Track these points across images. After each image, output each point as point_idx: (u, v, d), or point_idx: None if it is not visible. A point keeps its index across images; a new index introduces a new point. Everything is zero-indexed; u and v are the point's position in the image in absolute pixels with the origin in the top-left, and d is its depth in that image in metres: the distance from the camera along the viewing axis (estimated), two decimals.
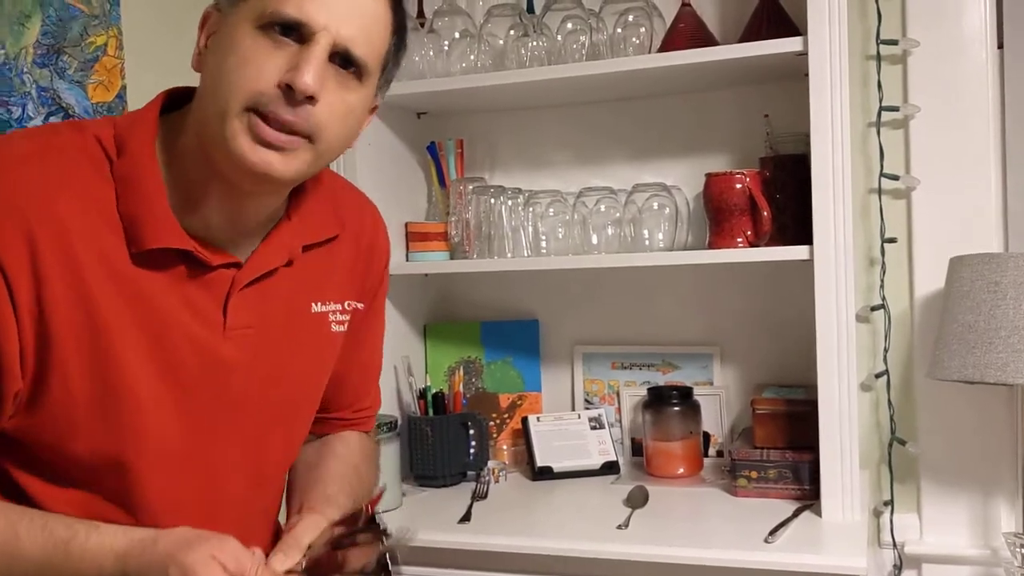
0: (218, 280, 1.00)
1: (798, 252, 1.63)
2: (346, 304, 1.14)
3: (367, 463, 1.26)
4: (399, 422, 1.85)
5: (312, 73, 0.90)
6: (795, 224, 1.70)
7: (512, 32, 1.93)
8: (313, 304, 1.10)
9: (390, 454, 1.79)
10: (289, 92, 0.90)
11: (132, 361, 0.95)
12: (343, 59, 0.94)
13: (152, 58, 1.71)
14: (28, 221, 0.89)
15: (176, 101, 1.02)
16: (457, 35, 1.96)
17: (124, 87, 1.66)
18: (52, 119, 1.52)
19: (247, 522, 1.09)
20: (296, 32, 0.91)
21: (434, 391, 1.97)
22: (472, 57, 1.95)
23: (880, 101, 1.85)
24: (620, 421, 2.07)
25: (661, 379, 2.04)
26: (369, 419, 1.30)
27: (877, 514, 1.89)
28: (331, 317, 1.13)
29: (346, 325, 1.15)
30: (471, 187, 2.01)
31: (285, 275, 1.05)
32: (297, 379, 1.11)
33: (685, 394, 1.92)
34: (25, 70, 1.51)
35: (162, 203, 0.95)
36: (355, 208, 1.18)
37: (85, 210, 0.92)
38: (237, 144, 0.91)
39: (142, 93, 1.62)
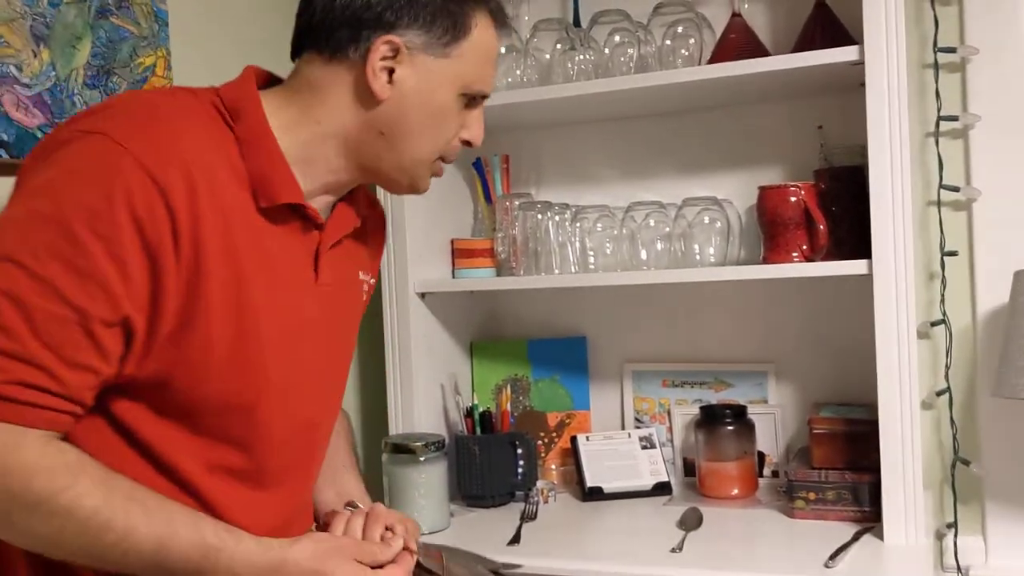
0: (313, 238, 1.10)
1: (856, 267, 1.59)
2: (370, 277, 1.27)
3: (351, 439, 1.42)
4: (446, 441, 1.83)
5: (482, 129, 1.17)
6: (851, 238, 1.66)
7: (559, 46, 1.91)
8: (360, 272, 1.22)
9: (438, 474, 1.77)
10: (465, 144, 1.16)
11: (262, 307, 1.01)
12: None
13: (199, 78, 1.71)
14: (189, 167, 0.94)
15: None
16: (503, 50, 1.94)
17: None
18: None
19: (319, 463, 1.20)
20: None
21: (481, 410, 1.94)
22: (518, 72, 1.93)
23: (938, 110, 1.79)
24: (671, 440, 2.02)
25: (713, 397, 2.00)
26: None
27: (940, 537, 1.83)
28: (363, 287, 1.24)
29: (366, 296, 1.26)
30: (517, 203, 1.99)
31: (347, 242, 1.16)
32: (348, 341, 1.23)
33: (739, 413, 1.87)
34: (76, 91, 1.52)
35: (283, 163, 1.04)
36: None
37: (223, 164, 0.99)
38: (423, 184, 1.15)
39: None
